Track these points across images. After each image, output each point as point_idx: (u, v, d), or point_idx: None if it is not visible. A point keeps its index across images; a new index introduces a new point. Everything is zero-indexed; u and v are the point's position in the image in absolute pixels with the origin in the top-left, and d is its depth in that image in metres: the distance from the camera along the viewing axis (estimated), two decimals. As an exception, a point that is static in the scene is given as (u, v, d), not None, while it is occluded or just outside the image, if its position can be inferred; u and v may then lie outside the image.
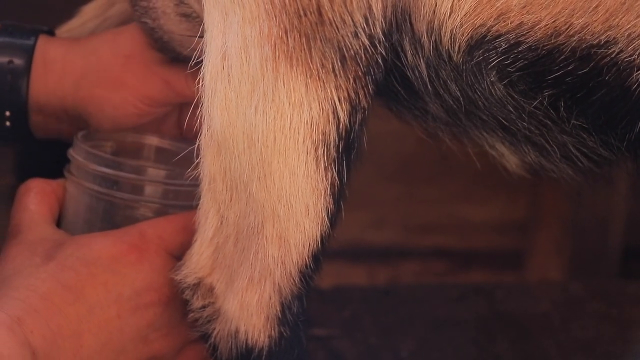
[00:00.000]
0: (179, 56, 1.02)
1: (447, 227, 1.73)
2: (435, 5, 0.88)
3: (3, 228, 1.10)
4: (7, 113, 1.04)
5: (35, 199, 1.02)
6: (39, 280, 0.94)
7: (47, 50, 1.05)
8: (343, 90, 0.88)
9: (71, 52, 1.05)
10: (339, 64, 0.87)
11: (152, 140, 1.08)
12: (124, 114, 1.04)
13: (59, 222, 1.04)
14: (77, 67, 1.04)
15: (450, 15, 0.88)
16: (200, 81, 0.90)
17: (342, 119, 0.88)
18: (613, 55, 0.88)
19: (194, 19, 0.98)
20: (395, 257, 1.72)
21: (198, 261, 0.95)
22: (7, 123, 1.05)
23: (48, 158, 1.13)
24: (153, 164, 1.07)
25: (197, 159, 0.93)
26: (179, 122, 1.08)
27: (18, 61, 1.04)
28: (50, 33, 1.09)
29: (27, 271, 0.95)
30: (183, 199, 1.02)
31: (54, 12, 1.13)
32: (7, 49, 1.04)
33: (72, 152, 1.04)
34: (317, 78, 0.87)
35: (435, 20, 0.89)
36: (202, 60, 0.90)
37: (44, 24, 1.12)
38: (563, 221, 1.72)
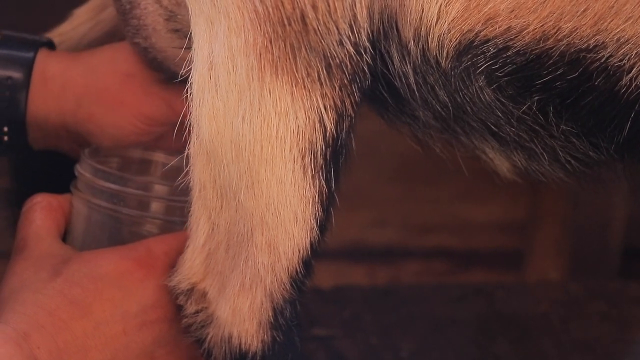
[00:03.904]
0: (175, 75, 1.02)
1: (447, 227, 1.73)
2: (422, 12, 0.87)
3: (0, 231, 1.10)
4: (5, 128, 1.04)
5: (42, 213, 1.01)
6: (46, 296, 0.94)
7: (47, 65, 1.04)
8: (329, 99, 0.87)
9: (71, 69, 1.04)
10: (325, 72, 0.87)
11: (159, 157, 1.08)
12: (124, 133, 1.04)
13: (64, 237, 1.03)
14: (77, 85, 1.04)
15: (437, 21, 0.87)
16: (189, 90, 0.90)
17: (328, 127, 0.88)
18: (603, 60, 0.87)
19: (185, 36, 0.97)
20: (395, 257, 1.71)
21: (191, 267, 0.95)
22: (5, 138, 1.04)
23: (46, 162, 1.12)
24: (159, 180, 1.06)
25: (186, 167, 0.93)
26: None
27: (17, 75, 1.03)
28: (50, 45, 1.08)
29: (34, 286, 0.95)
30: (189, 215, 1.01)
31: (54, 12, 1.13)
32: (6, 63, 1.03)
33: (78, 168, 1.04)
34: (302, 87, 0.87)
35: (422, 26, 0.88)
36: (190, 70, 0.90)
37: (44, 24, 1.12)
38: (563, 221, 1.71)
